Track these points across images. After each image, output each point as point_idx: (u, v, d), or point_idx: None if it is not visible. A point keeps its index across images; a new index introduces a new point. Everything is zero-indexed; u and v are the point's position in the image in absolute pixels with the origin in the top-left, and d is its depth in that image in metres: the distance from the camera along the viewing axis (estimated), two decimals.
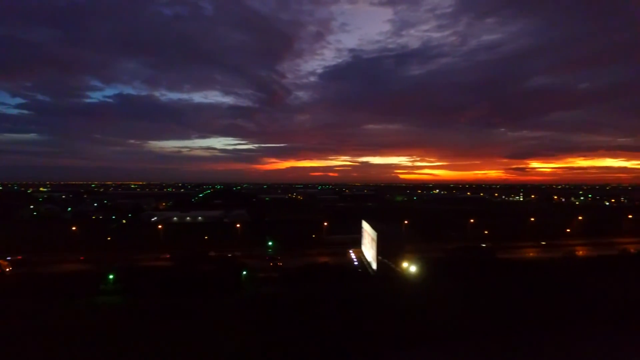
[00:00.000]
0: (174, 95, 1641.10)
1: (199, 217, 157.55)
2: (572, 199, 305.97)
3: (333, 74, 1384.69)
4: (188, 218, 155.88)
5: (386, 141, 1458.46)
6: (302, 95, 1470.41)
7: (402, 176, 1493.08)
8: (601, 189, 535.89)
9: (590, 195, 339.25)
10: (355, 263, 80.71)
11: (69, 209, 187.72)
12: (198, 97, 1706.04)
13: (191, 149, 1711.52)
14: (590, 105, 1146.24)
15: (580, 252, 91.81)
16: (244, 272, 61.40)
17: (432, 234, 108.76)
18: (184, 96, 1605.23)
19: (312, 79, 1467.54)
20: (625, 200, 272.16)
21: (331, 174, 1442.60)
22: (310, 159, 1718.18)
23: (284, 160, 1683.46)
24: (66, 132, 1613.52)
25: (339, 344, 26.41)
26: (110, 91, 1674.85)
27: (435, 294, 39.68)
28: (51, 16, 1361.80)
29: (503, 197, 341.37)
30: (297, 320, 30.69)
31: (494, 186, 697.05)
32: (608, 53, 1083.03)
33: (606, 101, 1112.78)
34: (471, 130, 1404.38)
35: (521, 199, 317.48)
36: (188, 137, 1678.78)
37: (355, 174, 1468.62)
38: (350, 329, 27.13)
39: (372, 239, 72.81)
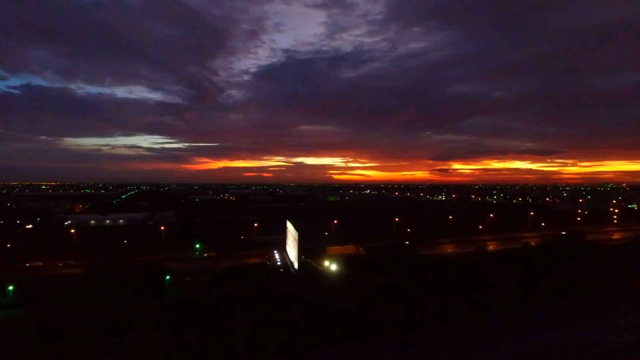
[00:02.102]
0: (93, 89, 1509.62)
1: (120, 220, 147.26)
2: (487, 198, 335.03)
3: (267, 73, 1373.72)
4: (108, 221, 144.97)
5: (320, 142, 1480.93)
6: (235, 94, 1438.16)
7: (335, 177, 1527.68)
8: (511, 188, 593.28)
9: (502, 195, 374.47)
10: (279, 263, 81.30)
11: None
12: (122, 92, 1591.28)
13: (114, 147, 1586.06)
14: (502, 113, 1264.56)
15: (490, 247, 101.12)
16: (167, 277, 58.73)
17: (360, 232, 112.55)
18: (106, 90, 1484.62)
19: (246, 77, 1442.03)
20: (530, 199, 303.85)
21: (265, 174, 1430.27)
22: (244, 159, 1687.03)
23: (216, 160, 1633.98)
24: None
25: (259, 345, 26.43)
26: (16, 81, 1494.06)
27: (355, 291, 41.22)
28: None
29: (427, 196, 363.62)
30: (217, 323, 30.15)
31: (420, 186, 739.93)
32: (518, 66, 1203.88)
33: (516, 109, 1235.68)
34: (400, 133, 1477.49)
35: (443, 199, 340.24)
36: (110, 135, 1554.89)
37: (289, 175, 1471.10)
38: (269, 329, 27.27)
39: (295, 239, 73.65)
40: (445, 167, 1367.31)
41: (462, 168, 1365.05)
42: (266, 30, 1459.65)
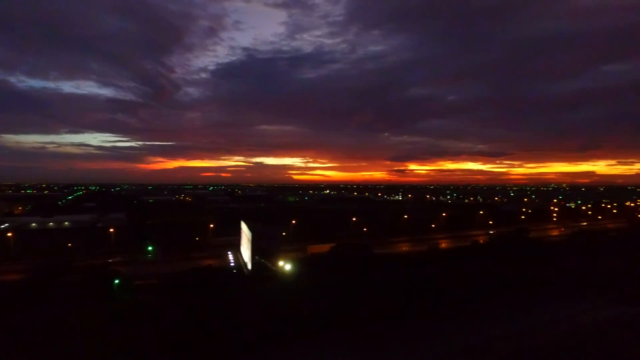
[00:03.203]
0: (36, 83, 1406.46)
1: (66, 222, 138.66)
2: (441, 197, 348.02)
3: (226, 71, 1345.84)
4: (51, 224, 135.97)
5: (280, 142, 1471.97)
6: (193, 91, 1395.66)
7: (295, 177, 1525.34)
8: (464, 188, 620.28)
9: (455, 195, 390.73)
10: (232, 264, 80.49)
11: None
12: (68, 87, 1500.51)
13: (59, 145, 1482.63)
14: (456, 116, 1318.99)
15: (443, 245, 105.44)
16: (116, 281, 56.27)
17: (318, 232, 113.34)
18: (50, 84, 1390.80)
19: (204, 75, 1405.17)
20: (481, 199, 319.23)
21: (224, 174, 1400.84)
22: (202, 158, 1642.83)
23: (172, 160, 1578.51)
24: None
25: (208, 346, 26.05)
26: None
27: (307, 291, 41.58)
28: None
29: (385, 196, 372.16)
30: (168, 326, 29.40)
31: (378, 186, 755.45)
32: (470, 71, 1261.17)
33: (468, 112, 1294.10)
34: (359, 134, 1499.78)
35: (400, 198, 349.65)
36: (55, 132, 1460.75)
37: (249, 175, 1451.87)
38: (217, 330, 26.97)
39: (249, 239, 73.15)
40: (402, 168, 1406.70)
41: (418, 169, 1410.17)
42: (225, 28, 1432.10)
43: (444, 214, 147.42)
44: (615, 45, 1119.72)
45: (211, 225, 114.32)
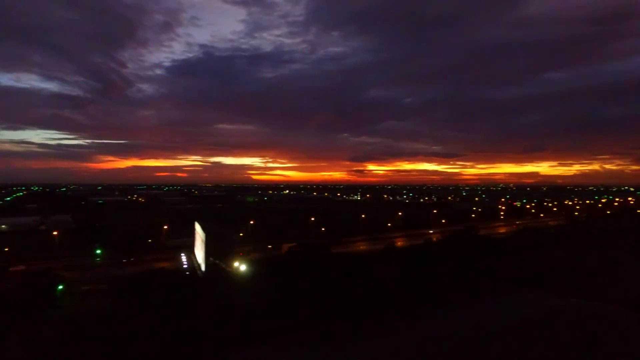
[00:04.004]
0: None
1: (3, 225, 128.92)
2: (398, 197, 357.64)
3: (182, 68, 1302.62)
4: None
5: (239, 142, 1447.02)
6: (147, 88, 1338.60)
7: (254, 177, 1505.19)
8: (419, 188, 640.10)
9: (411, 194, 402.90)
10: (185, 266, 78.71)
11: None
12: (7, 80, 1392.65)
13: None
14: (412, 117, 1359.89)
15: (398, 243, 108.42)
16: (60, 287, 53.09)
17: (276, 232, 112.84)
18: None
19: (159, 71, 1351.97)
20: (435, 198, 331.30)
21: (180, 174, 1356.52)
22: (156, 157, 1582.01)
23: (124, 159, 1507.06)
24: None
25: (161, 354, 25.27)
26: None
27: (262, 292, 41.41)
28: None
29: (344, 196, 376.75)
30: (115, 332, 28.15)
31: (338, 186, 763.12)
32: (426, 75, 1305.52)
33: (424, 115, 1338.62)
34: (319, 134, 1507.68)
35: (359, 198, 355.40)
36: None
37: (206, 175, 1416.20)
38: (165, 334, 26.24)
39: (202, 240, 71.78)
40: (361, 168, 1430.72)
41: (377, 169, 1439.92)
42: (181, 23, 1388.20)
43: (400, 213, 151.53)
44: (556, 55, 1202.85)
45: (165, 227, 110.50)
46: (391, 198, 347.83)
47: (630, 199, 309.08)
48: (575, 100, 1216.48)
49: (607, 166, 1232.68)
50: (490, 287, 49.92)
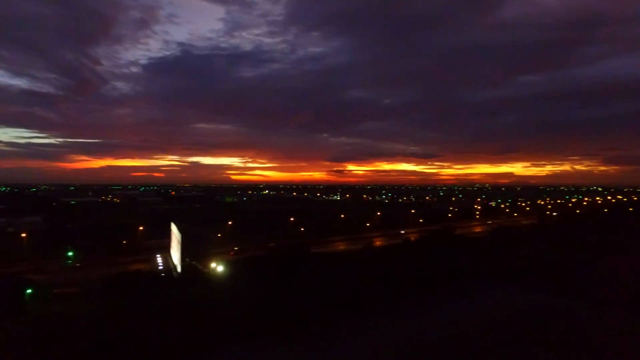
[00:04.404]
0: None
1: None
2: (377, 197, 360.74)
3: (159, 66, 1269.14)
4: None
5: (218, 141, 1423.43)
6: (122, 86, 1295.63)
7: (233, 177, 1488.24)
8: (398, 188, 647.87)
9: (390, 194, 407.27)
10: (160, 267, 77.47)
11: None
12: None
13: None
14: (392, 118, 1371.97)
15: (377, 242, 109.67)
16: (29, 291, 51.31)
17: (256, 233, 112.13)
18: None
19: (135, 69, 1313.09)
20: (413, 198, 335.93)
21: (157, 174, 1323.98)
22: (132, 157, 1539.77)
23: (98, 159, 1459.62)
24: None
25: (135, 357, 24.78)
26: None
27: (241, 292, 41.14)
28: None
29: (324, 196, 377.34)
30: (87, 337, 27.40)
31: (317, 186, 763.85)
32: (405, 76, 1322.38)
33: (403, 115, 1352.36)
34: (299, 134, 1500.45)
35: (338, 198, 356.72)
36: None
37: (184, 175, 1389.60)
38: (143, 338, 25.76)
39: (178, 241, 70.79)
40: (340, 169, 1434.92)
41: (356, 169, 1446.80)
42: (158, 21, 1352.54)
43: (378, 213, 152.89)
44: (530, 58, 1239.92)
45: (141, 228, 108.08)
46: (370, 198, 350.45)
47: (598, 198, 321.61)
48: (548, 103, 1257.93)
49: (577, 167, 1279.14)
50: (465, 286, 51.12)
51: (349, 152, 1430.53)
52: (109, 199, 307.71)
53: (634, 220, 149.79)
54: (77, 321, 34.35)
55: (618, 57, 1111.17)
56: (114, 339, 27.16)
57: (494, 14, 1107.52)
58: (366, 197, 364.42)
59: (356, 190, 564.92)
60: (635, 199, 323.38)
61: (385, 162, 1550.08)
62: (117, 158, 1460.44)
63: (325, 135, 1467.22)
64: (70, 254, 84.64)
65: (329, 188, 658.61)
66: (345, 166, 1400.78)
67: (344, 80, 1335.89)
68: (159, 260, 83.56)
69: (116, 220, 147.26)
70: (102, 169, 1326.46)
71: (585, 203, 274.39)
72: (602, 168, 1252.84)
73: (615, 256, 73.58)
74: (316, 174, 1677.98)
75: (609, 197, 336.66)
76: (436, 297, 45.22)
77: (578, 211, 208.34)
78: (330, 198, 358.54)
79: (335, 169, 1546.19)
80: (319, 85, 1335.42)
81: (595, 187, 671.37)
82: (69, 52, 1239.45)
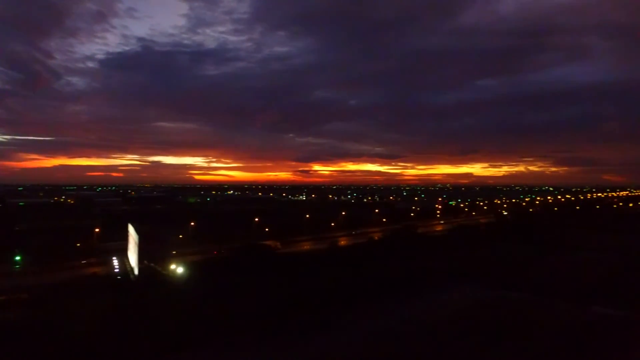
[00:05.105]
0: None
1: None
2: (342, 197, 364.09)
3: (118, 62, 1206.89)
4: None
5: (180, 140, 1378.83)
6: (77, 81, 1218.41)
7: (197, 177, 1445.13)
8: (363, 188, 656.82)
9: (355, 194, 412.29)
10: (116, 270, 74.76)
11: None
12: None
13: None
14: (357, 119, 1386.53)
15: (342, 242, 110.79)
16: None
17: (219, 234, 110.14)
18: None
19: (91, 64, 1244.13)
20: (378, 198, 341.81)
21: (115, 174, 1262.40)
22: (88, 156, 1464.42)
23: (51, 157, 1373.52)
24: None
25: None
26: None
27: (200, 295, 40.39)
28: None
29: (290, 196, 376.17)
30: (33, 348, 25.90)
31: (283, 187, 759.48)
32: (370, 78, 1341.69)
33: (368, 116, 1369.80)
34: (265, 134, 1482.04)
35: (304, 198, 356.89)
36: None
37: (144, 175, 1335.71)
38: (94, 345, 24.73)
39: (136, 242, 68.53)
40: (307, 169, 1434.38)
41: (322, 169, 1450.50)
42: (117, 14, 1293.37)
43: (343, 213, 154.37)
44: (488, 64, 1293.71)
45: (97, 230, 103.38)
46: (336, 198, 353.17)
47: (549, 197, 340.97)
48: (505, 107, 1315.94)
49: (531, 168, 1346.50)
50: (426, 283, 52.66)
51: (315, 152, 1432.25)
52: (62, 199, 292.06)
53: (580, 218, 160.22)
54: (23, 330, 32.37)
55: (568, 65, 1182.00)
56: (63, 347, 25.83)
57: (453, 20, 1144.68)
58: (332, 197, 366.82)
59: (322, 190, 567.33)
60: (582, 198, 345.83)
61: (351, 163, 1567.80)
62: (71, 157, 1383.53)
63: (291, 135, 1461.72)
64: (18, 258, 79.65)
65: (294, 188, 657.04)
66: (311, 166, 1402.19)
67: (310, 81, 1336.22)
68: (115, 262, 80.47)
69: (70, 222, 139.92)
70: (55, 168, 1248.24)
71: (537, 202, 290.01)
72: (553, 169, 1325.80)
73: (564, 252, 78.29)
74: (282, 174, 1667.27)
75: (559, 197, 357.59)
76: (397, 294, 46.25)
77: (531, 210, 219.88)
78: (296, 198, 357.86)
79: (301, 169, 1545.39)
80: (285, 84, 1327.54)
81: (547, 187, 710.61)
82: (17, 43, 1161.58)
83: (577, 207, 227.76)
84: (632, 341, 30.20)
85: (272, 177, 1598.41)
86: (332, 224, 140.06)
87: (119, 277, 66.34)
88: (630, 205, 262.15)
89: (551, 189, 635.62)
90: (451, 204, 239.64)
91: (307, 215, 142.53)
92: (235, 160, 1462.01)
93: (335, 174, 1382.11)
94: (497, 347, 29.16)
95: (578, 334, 32.09)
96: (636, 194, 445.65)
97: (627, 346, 29.24)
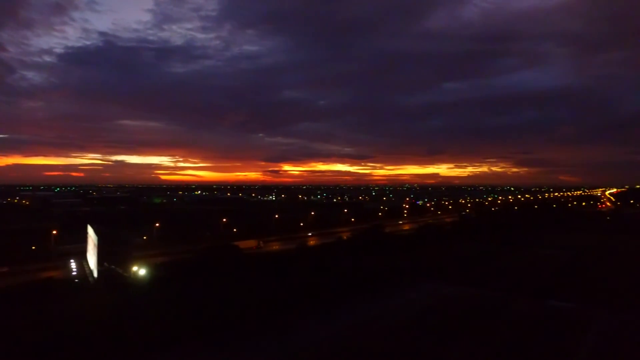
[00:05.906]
0: None
1: None
2: (312, 197, 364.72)
3: (78, 56, 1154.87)
4: None
5: (145, 139, 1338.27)
6: (33, 76, 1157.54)
7: (163, 177, 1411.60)
8: (333, 188, 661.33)
9: (325, 194, 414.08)
10: (74, 273, 71.98)
11: None
12: None
13: None
14: (327, 120, 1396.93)
15: (311, 242, 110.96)
16: None
17: (185, 234, 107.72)
18: None
19: (48, 58, 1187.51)
20: (347, 198, 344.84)
21: (75, 173, 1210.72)
22: (45, 155, 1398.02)
23: (4, 156, 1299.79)
24: None
25: None
26: None
27: (163, 298, 39.32)
28: None
29: (259, 197, 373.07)
30: None
31: (252, 187, 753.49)
32: (339, 78, 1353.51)
33: (338, 117, 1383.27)
34: (233, 133, 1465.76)
35: (273, 199, 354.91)
36: None
37: (107, 174, 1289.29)
38: (50, 349, 23.52)
39: (95, 244, 66.07)
40: (276, 169, 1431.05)
41: (292, 169, 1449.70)
42: (77, 7, 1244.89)
43: (313, 213, 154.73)
44: (453, 67, 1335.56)
45: (54, 232, 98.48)
46: (306, 198, 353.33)
47: (510, 197, 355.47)
48: (469, 109, 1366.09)
49: (494, 168, 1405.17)
50: (393, 281, 53.47)
51: (284, 152, 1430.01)
52: (15, 200, 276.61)
53: (540, 216, 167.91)
54: None
55: (529, 70, 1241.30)
56: (14, 354, 24.32)
57: (420, 24, 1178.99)
58: (301, 197, 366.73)
59: (292, 190, 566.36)
60: (540, 197, 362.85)
61: (321, 163, 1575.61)
62: (26, 156, 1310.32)
63: (260, 135, 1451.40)
64: None
65: (264, 188, 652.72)
66: (281, 166, 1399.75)
67: (279, 80, 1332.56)
68: (74, 265, 77.16)
69: (24, 224, 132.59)
70: (9, 167, 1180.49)
71: (499, 201, 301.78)
72: (514, 170, 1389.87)
73: (524, 249, 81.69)
74: (251, 174, 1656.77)
75: (519, 196, 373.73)
76: (364, 293, 46.62)
77: (493, 209, 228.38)
78: (265, 198, 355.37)
79: (270, 169, 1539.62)
80: (254, 84, 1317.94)
81: (508, 187, 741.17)
82: None
83: (536, 207, 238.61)
84: (579, 331, 32.03)
85: (241, 177, 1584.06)
86: (302, 224, 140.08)
87: (76, 280, 63.61)
88: (583, 204, 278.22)
89: (512, 188, 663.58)
90: (418, 204, 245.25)
91: (277, 216, 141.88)
92: (203, 160, 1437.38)
93: (305, 174, 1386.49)
94: (461, 339, 30.03)
95: (535, 326, 33.59)
96: (589, 193, 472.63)
97: (577, 335, 30.96)
